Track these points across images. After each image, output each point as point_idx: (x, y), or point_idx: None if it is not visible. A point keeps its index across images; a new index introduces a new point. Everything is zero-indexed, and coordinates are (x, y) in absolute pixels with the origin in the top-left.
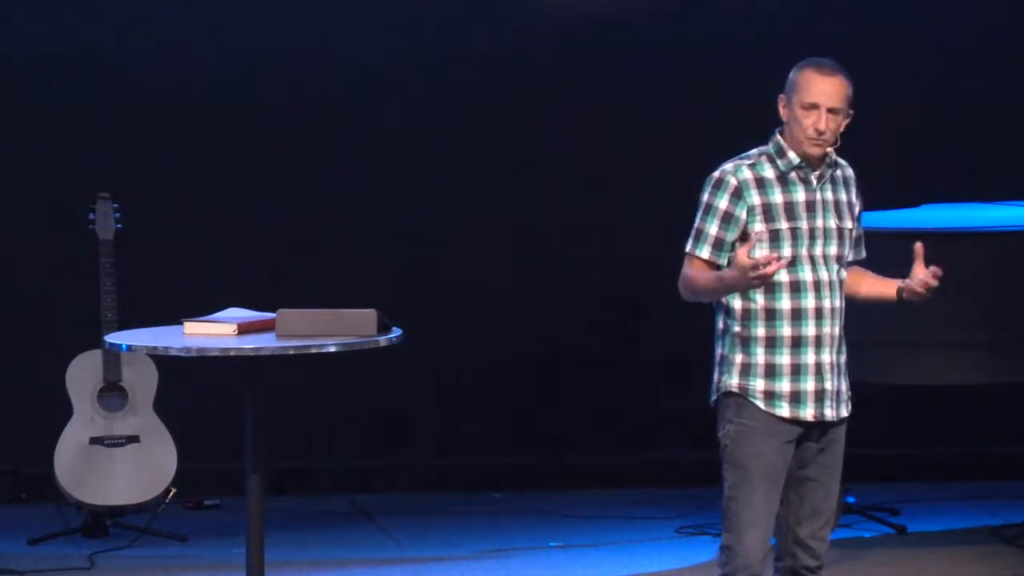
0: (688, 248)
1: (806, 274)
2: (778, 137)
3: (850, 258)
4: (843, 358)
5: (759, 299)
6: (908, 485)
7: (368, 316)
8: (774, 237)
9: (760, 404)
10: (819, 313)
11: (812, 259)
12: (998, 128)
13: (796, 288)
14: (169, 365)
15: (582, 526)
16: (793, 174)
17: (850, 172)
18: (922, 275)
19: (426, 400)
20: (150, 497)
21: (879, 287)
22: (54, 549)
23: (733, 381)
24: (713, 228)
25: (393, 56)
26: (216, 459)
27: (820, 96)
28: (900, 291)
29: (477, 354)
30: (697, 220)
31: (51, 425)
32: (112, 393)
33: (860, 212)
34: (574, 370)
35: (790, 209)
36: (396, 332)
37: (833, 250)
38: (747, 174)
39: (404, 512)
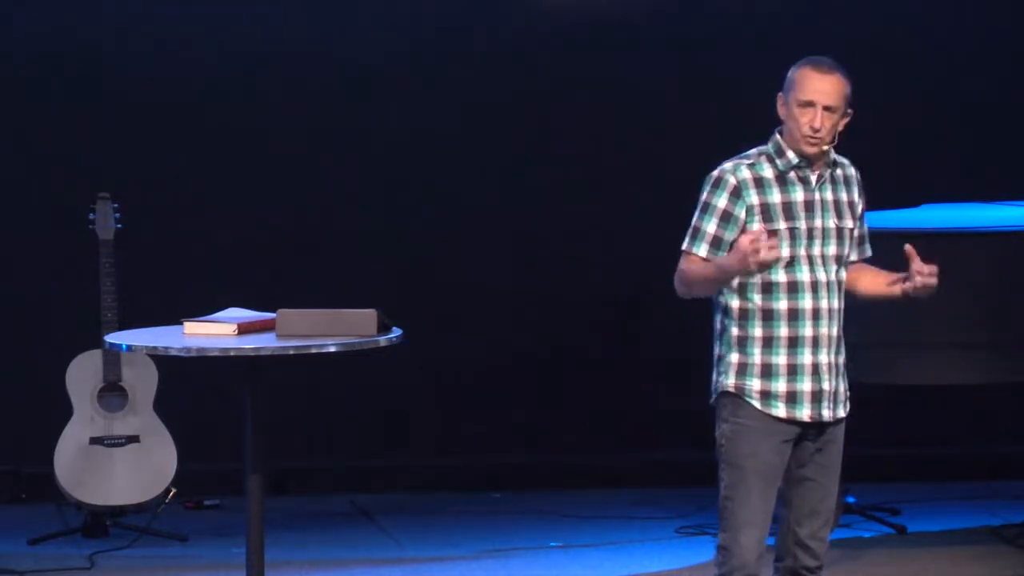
0: (685, 246)
1: (804, 275)
2: (777, 137)
3: (853, 257)
4: (842, 358)
5: (756, 299)
6: (908, 485)
7: (368, 316)
8: (772, 237)
9: (756, 404)
10: (816, 314)
11: (811, 259)
12: (998, 128)
13: (793, 289)
14: (169, 365)
15: (582, 526)
16: (792, 174)
17: (852, 171)
18: (921, 278)
19: (426, 400)
20: (150, 497)
21: (880, 285)
22: (54, 549)
23: (730, 381)
24: (711, 226)
25: (393, 56)
26: (216, 459)
27: (816, 94)
28: (903, 290)
29: (477, 354)
30: (695, 218)
31: (51, 425)
32: (112, 393)
33: (863, 211)
34: (574, 370)
35: (788, 209)
36: (396, 332)
37: (832, 250)
38: (746, 174)
39: (404, 512)
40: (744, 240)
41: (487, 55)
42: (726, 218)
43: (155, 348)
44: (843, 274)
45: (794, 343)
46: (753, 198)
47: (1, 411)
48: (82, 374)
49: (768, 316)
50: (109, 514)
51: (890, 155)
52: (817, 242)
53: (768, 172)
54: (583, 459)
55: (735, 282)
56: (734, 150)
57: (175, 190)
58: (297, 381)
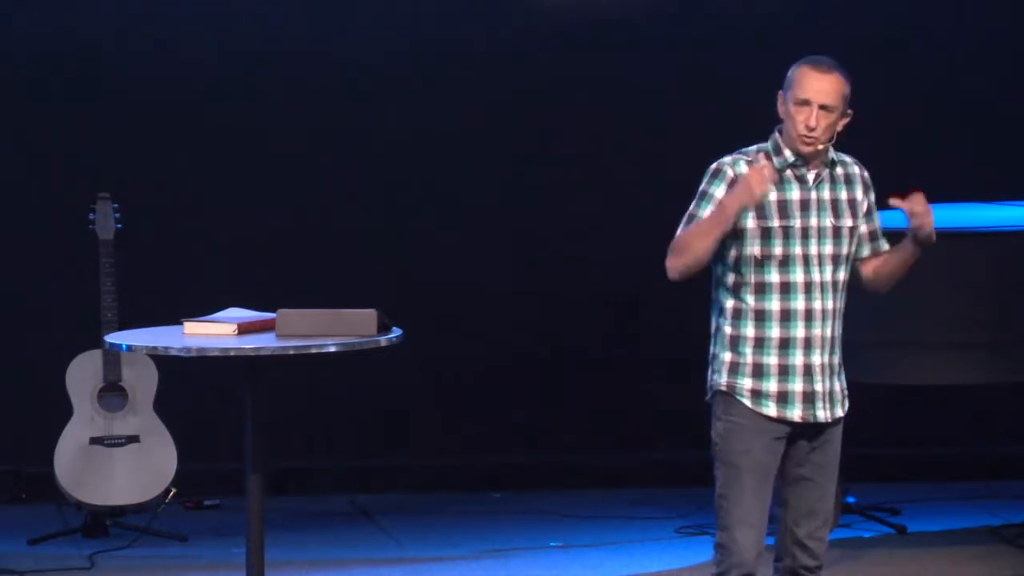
0: (678, 232)
1: (797, 275)
2: (776, 135)
3: (866, 253)
4: (837, 358)
5: (750, 300)
6: (908, 485)
7: (368, 316)
8: (766, 235)
9: (747, 402)
10: (809, 315)
11: (806, 259)
12: (998, 128)
13: (786, 289)
14: (169, 365)
15: (582, 526)
16: (788, 172)
17: (856, 169)
18: (913, 211)
19: (426, 400)
20: (150, 497)
21: (893, 256)
22: (54, 549)
23: (722, 380)
24: (706, 214)
25: (393, 56)
26: (216, 459)
27: (812, 92)
28: (912, 235)
29: (477, 354)
30: (692, 206)
31: (51, 425)
32: (112, 393)
33: (870, 207)
34: (574, 370)
35: (783, 207)
36: (396, 332)
37: (828, 250)
38: (744, 169)
39: (404, 512)
40: (751, 171)
41: (487, 55)
42: None
43: (155, 348)
44: (841, 274)
45: (786, 344)
46: None
47: (1, 411)
48: (82, 374)
49: (760, 317)
50: (109, 514)
51: (890, 155)
52: (813, 241)
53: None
54: (583, 459)
55: (730, 281)
56: (734, 150)
57: (175, 190)
58: (297, 381)
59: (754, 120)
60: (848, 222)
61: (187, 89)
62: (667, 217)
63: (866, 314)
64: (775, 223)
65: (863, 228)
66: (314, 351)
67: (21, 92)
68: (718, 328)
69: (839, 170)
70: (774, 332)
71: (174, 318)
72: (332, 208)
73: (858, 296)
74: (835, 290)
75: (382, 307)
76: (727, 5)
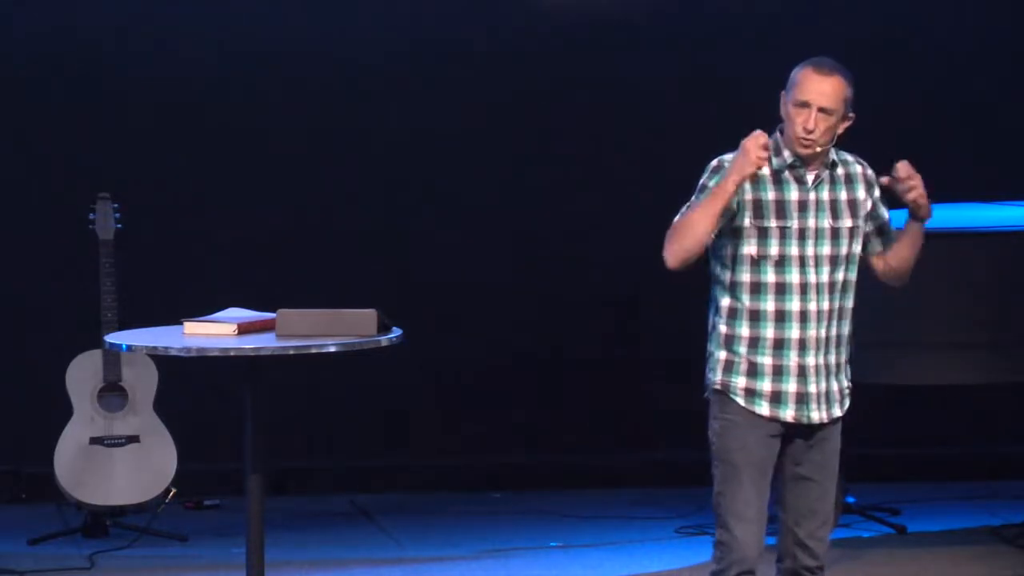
0: (676, 220)
1: (793, 276)
2: (777, 135)
3: (878, 248)
4: (835, 358)
5: (745, 299)
6: (908, 485)
7: (368, 316)
8: (762, 235)
9: (740, 401)
10: (804, 316)
11: (802, 259)
12: (998, 128)
13: (781, 290)
14: (169, 365)
15: (582, 526)
16: (787, 173)
17: (858, 169)
18: (905, 184)
19: (426, 400)
20: (150, 497)
21: (900, 242)
22: (54, 549)
23: (717, 378)
24: None
25: (393, 56)
26: (216, 459)
27: (812, 94)
28: (910, 210)
29: (477, 354)
30: (692, 199)
31: (51, 425)
32: (112, 393)
33: (875, 203)
34: (574, 370)
35: (780, 207)
36: (396, 332)
37: (826, 251)
38: None
39: (404, 512)
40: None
41: (487, 55)
42: None
43: (155, 348)
44: (841, 275)
45: (780, 344)
46: (747, 193)
47: (1, 411)
48: (82, 374)
49: (755, 317)
50: (109, 514)
51: (890, 155)
52: (810, 242)
53: (764, 169)
54: (583, 459)
55: (727, 280)
56: (734, 149)
57: (175, 190)
58: (297, 381)
59: (754, 120)
60: (848, 223)
61: (187, 89)
62: (667, 217)
63: (866, 314)
64: (772, 223)
65: (869, 225)
66: (314, 351)
67: (21, 92)
68: (714, 327)
69: (840, 170)
70: (769, 332)
71: (174, 318)
72: (332, 208)
73: (857, 296)
74: (833, 291)
75: (382, 307)
76: (727, 5)
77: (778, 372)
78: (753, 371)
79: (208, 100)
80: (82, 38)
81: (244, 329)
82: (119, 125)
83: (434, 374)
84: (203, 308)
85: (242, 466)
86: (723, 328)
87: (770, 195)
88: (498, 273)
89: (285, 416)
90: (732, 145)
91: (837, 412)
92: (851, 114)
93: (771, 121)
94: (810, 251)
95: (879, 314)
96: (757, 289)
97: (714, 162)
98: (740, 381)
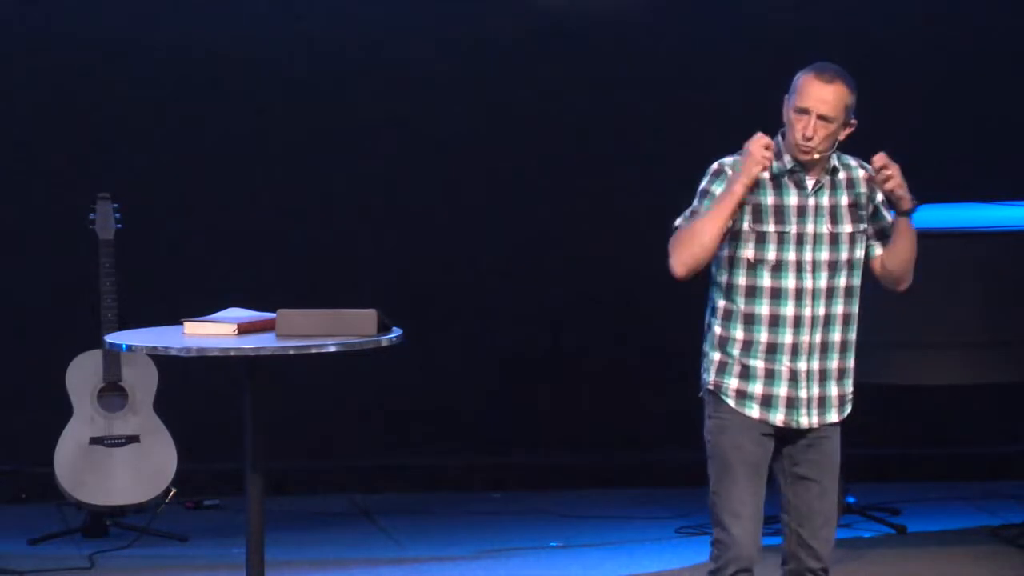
0: (677, 223)
1: (789, 281)
2: (779, 139)
3: (879, 252)
4: (833, 364)
5: (740, 302)
6: (908, 485)
7: (368, 316)
8: (760, 239)
9: (731, 402)
10: (798, 321)
11: (799, 265)
12: (998, 128)
13: (776, 295)
14: (169, 365)
15: (582, 526)
16: (787, 177)
17: (860, 172)
18: (882, 176)
19: (426, 400)
20: (150, 497)
21: (892, 240)
22: (54, 549)
23: (710, 378)
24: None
25: (393, 56)
26: (216, 459)
27: (811, 101)
28: (892, 205)
29: (477, 354)
30: (694, 203)
31: (51, 425)
32: (112, 393)
33: (877, 206)
34: (574, 370)
35: (779, 212)
36: (396, 332)
37: (824, 256)
38: None
39: (404, 512)
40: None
41: (488, 55)
42: None
43: (155, 348)
44: (841, 280)
45: (773, 349)
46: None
47: (1, 411)
48: (82, 374)
49: (750, 320)
50: (109, 514)
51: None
52: (808, 248)
53: (764, 173)
54: (583, 459)
55: (723, 282)
56: (734, 152)
57: (175, 190)
58: (297, 381)
59: (754, 121)
60: (847, 228)
61: (187, 89)
62: (667, 217)
63: (866, 314)
64: (770, 228)
65: (871, 228)
66: (314, 351)
67: (22, 92)
68: (709, 327)
69: (841, 175)
70: (762, 336)
71: (174, 318)
72: (332, 208)
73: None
74: (831, 296)
75: (382, 307)
76: (727, 5)
77: (770, 376)
78: (745, 373)
79: (208, 100)
80: (82, 38)
81: (244, 329)
82: (119, 125)
83: (434, 374)
84: (203, 308)
85: (242, 466)
86: (718, 329)
87: (769, 199)
88: (498, 273)
89: (285, 416)
90: (732, 146)
91: (833, 417)
92: (853, 120)
93: (772, 121)
94: (808, 256)
95: (879, 314)
96: (752, 293)
97: (714, 166)
98: (732, 383)
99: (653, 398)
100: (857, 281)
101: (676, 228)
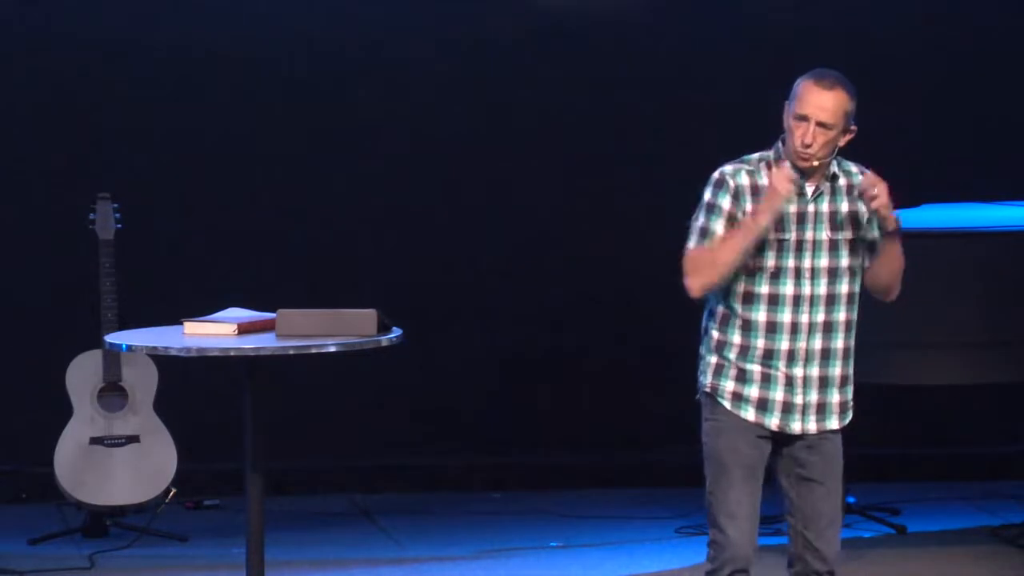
0: (692, 245)
1: (787, 288)
2: (779, 145)
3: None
4: (831, 370)
5: (738, 308)
6: (908, 485)
7: (368, 316)
8: (759, 246)
9: (727, 405)
10: (795, 328)
11: (797, 271)
12: (998, 128)
13: (774, 301)
14: (169, 365)
15: (582, 526)
16: None
17: (860, 179)
18: (870, 194)
19: (426, 400)
20: (150, 497)
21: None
22: (54, 549)
23: (707, 381)
24: (718, 226)
25: (394, 56)
26: (216, 459)
27: (811, 108)
28: (880, 228)
29: (477, 354)
30: (702, 219)
31: (51, 425)
32: (112, 393)
33: (871, 217)
34: (574, 370)
35: (779, 219)
36: (396, 332)
37: (823, 263)
38: (744, 180)
39: (404, 512)
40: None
41: (488, 55)
42: (731, 219)
43: (155, 348)
44: (842, 287)
45: (769, 355)
46: (748, 204)
47: (1, 411)
48: (82, 374)
49: (747, 326)
50: (109, 514)
51: (890, 155)
52: (807, 254)
53: (765, 180)
54: (583, 459)
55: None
56: (734, 153)
57: (175, 190)
58: (297, 381)
59: (754, 121)
60: (847, 234)
61: (187, 89)
62: (667, 218)
63: (866, 314)
64: (770, 235)
65: (868, 236)
66: (314, 351)
67: (22, 92)
68: (707, 331)
69: (841, 182)
70: (759, 342)
71: (174, 318)
72: (332, 208)
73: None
74: (830, 303)
75: (382, 307)
76: (727, 5)
77: (766, 380)
78: (742, 377)
79: (208, 100)
80: (82, 38)
81: (244, 329)
82: (119, 125)
83: (434, 374)
84: (203, 308)
85: (242, 466)
86: (715, 333)
87: None
88: (498, 273)
89: (285, 416)
90: (732, 147)
91: (834, 424)
92: (853, 127)
93: (771, 121)
94: (806, 263)
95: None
96: (750, 299)
97: (716, 175)
98: (728, 386)
99: (653, 398)
100: (858, 287)
101: (688, 251)
